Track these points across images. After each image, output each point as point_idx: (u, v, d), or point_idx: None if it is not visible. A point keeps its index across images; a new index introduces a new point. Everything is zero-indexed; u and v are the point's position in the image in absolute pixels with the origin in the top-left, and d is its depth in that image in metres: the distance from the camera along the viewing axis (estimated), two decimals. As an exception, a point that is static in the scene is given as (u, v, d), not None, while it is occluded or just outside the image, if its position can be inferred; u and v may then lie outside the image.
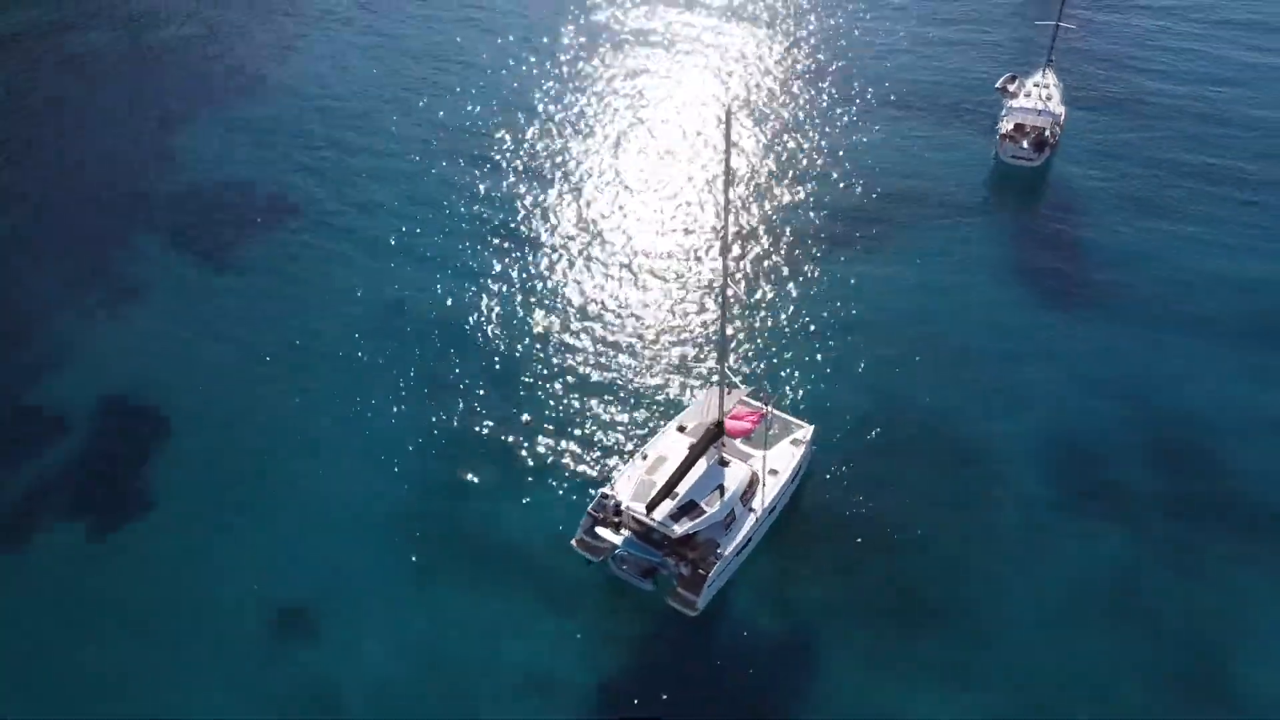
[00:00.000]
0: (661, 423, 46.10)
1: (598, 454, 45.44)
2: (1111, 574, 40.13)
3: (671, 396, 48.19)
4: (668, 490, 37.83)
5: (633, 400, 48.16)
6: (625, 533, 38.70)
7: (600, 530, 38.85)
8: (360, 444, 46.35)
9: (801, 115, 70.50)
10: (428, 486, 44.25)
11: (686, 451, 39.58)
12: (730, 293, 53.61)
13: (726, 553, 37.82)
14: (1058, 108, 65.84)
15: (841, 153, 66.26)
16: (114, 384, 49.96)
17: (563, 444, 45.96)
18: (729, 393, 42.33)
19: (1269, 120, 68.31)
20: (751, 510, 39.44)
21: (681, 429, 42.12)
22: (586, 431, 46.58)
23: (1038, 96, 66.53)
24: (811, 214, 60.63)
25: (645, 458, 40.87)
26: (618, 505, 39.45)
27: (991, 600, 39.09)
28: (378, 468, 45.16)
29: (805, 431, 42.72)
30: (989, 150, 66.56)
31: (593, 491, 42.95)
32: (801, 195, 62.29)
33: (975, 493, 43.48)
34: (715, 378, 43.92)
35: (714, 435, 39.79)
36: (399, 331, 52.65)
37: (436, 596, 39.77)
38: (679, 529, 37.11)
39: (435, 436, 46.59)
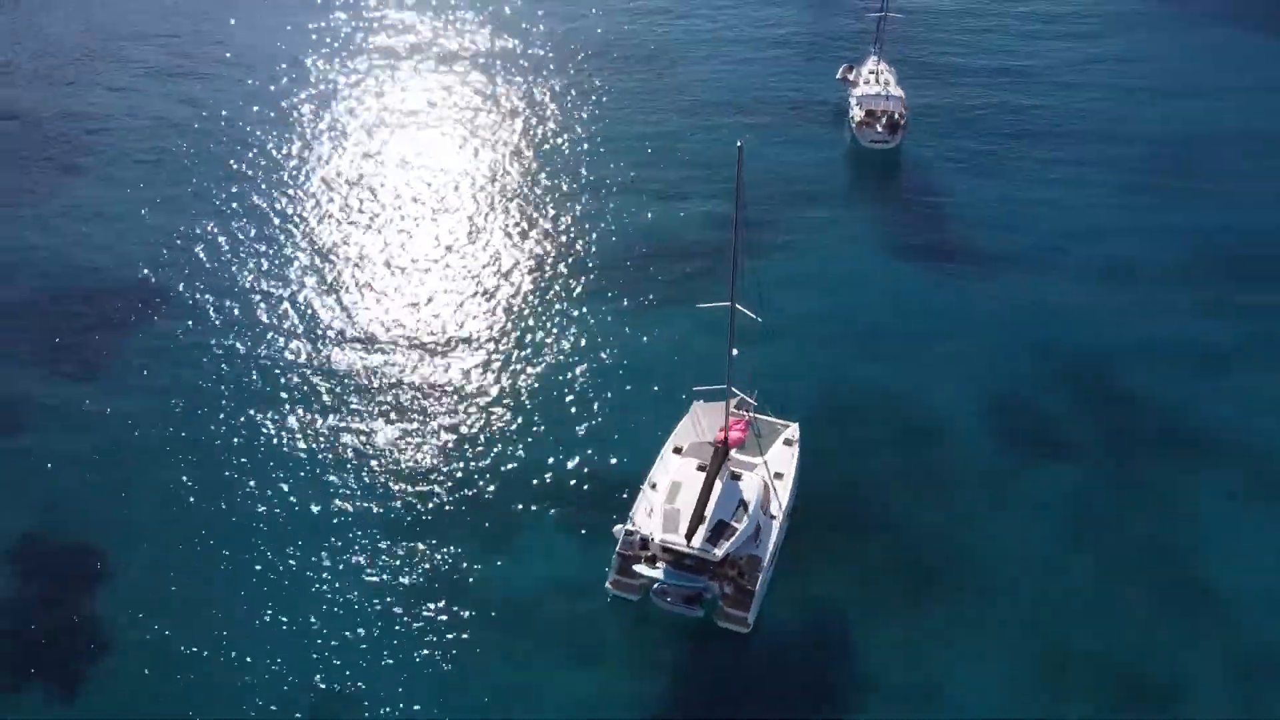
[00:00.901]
0: (638, 453, 45.82)
1: (586, 496, 44.36)
2: (1069, 501, 43.87)
3: (637, 422, 47.82)
4: (699, 515, 37.81)
5: (602, 436, 47.48)
6: (661, 565, 38.31)
7: (637, 567, 38.28)
8: (325, 539, 42.90)
9: (660, 141, 70.89)
10: (418, 567, 41.63)
11: (700, 474, 39.69)
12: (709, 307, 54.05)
13: (765, 562, 38.29)
14: (897, 91, 70.54)
15: (708, 170, 67.02)
16: (21, 521, 43.93)
17: (547, 495, 44.48)
18: (712, 404, 42.96)
19: (1075, 96, 76.44)
20: (773, 517, 40.09)
21: (678, 450, 42.19)
22: (566, 478, 45.42)
23: (878, 82, 71.02)
24: (699, 232, 61.11)
25: (655, 487, 40.62)
26: (644, 540, 39.01)
27: (982, 550, 41.71)
28: (358, 558, 42.12)
29: (793, 430, 43.78)
30: (844, 140, 70.34)
31: (605, 532, 42.14)
32: (684, 213, 62.83)
33: (934, 457, 45.97)
34: (693, 394, 44.00)
35: (723, 453, 40.12)
36: (315, 412, 49.41)
37: (465, 670, 37.62)
38: (719, 551, 37.16)
39: (410, 516, 43.97)
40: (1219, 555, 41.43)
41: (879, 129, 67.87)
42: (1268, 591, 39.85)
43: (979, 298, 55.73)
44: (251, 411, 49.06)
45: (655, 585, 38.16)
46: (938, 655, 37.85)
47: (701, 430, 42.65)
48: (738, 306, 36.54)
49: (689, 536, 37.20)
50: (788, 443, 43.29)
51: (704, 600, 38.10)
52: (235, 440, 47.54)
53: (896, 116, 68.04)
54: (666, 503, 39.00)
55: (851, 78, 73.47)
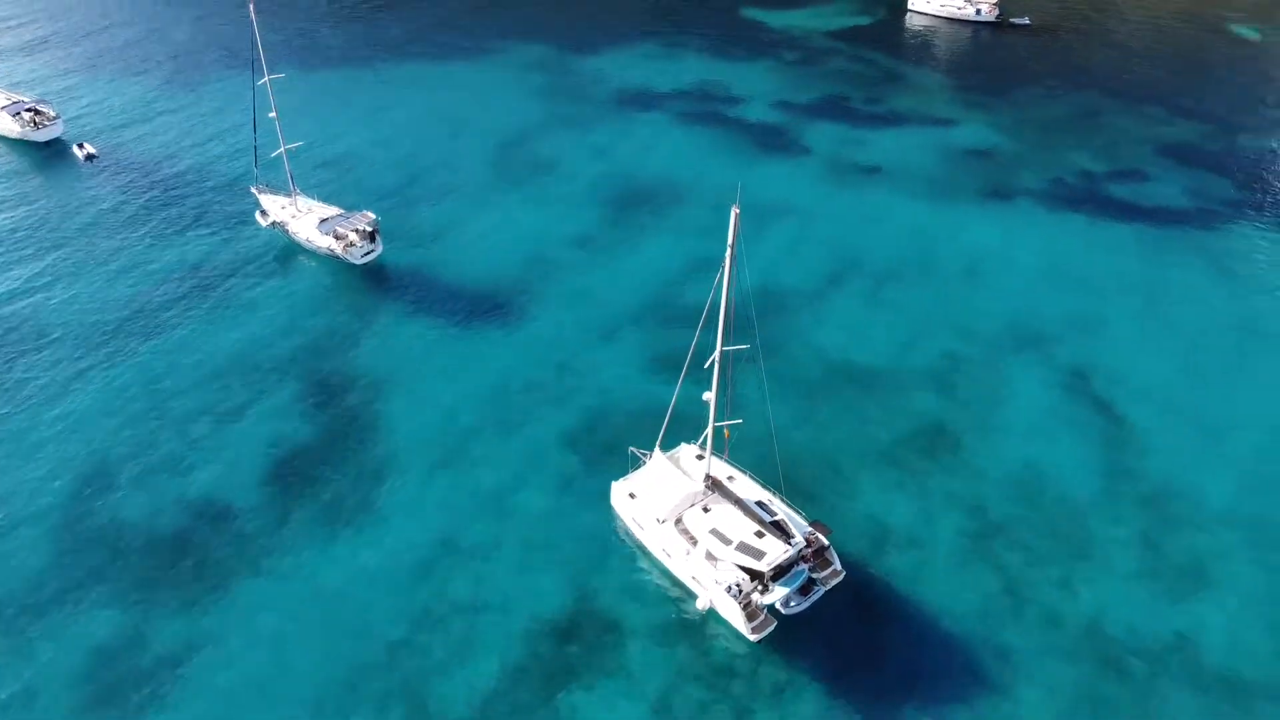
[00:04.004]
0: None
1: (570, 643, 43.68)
2: (799, 378, 59.18)
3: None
4: (766, 528, 42.73)
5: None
6: (773, 586, 42.26)
7: (762, 600, 41.68)
8: None
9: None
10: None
11: (712, 513, 44.41)
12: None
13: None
14: (334, 207, 71.94)
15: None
16: None
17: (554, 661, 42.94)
18: (626, 478, 46.78)
19: (447, 145, 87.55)
20: (773, 500, 46.24)
21: (661, 520, 45.01)
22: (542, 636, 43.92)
23: (310, 206, 71.43)
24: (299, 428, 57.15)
25: (697, 543, 43.51)
26: (738, 585, 42.17)
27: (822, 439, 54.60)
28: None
29: (694, 447, 49.05)
30: (332, 270, 68.95)
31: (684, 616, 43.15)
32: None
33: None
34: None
35: (720, 485, 45.04)
36: None
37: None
38: (800, 538, 43.04)
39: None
40: (864, 345, 61.62)
41: (360, 244, 68.85)
42: (892, 353, 61.41)
43: (582, 310, 65.12)
44: None
45: (781, 602, 42.27)
46: (874, 492, 50.65)
47: (658, 494, 45.68)
48: (729, 348, 41.47)
49: (786, 543, 42.22)
50: (700, 457, 48.71)
51: (814, 582, 43.55)
52: None
53: (366, 226, 69.42)
54: (727, 545, 42.73)
55: (277, 220, 71.77)
